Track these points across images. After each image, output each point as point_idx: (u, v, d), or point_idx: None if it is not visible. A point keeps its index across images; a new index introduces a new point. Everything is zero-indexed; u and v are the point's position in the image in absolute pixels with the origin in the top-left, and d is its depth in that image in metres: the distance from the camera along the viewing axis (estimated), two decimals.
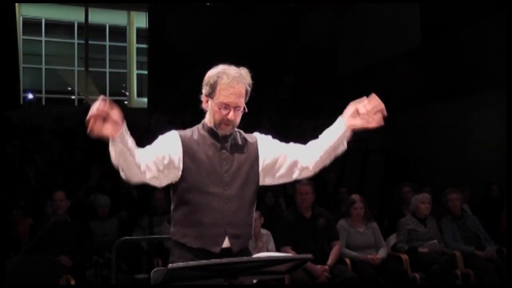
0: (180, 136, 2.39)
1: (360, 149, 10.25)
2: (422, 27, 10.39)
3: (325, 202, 7.16)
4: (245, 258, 2.14)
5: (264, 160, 2.46)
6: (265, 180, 2.50)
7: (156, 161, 2.27)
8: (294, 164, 2.45)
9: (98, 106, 2.03)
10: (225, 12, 12.24)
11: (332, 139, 2.42)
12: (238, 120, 2.40)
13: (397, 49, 10.86)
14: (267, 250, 5.05)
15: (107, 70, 15.99)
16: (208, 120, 2.44)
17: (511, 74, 6.28)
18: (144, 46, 14.57)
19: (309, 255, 2.12)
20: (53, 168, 8.54)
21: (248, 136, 2.52)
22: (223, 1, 12.46)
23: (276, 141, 2.52)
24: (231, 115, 2.34)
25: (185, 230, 2.37)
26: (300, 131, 11.84)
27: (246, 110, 2.40)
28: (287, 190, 8.66)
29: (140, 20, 14.79)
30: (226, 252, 2.33)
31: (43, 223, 5.48)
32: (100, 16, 14.98)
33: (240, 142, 2.47)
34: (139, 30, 15.45)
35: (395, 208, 6.78)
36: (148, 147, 2.32)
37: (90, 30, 14.14)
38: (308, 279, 4.97)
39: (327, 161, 2.47)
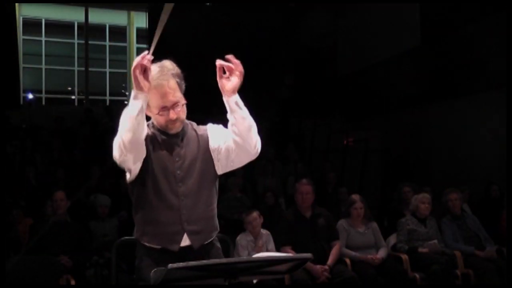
0: None
1: (360, 149, 10.26)
2: (422, 27, 10.39)
3: (325, 202, 7.16)
4: (245, 258, 2.14)
5: (217, 150, 2.38)
6: (226, 169, 2.42)
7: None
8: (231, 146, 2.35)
9: (140, 58, 2.13)
10: (225, 12, 12.24)
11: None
12: (183, 114, 2.35)
13: (397, 49, 10.87)
14: (267, 250, 5.06)
15: (107, 70, 16.00)
16: (154, 120, 2.39)
17: (511, 74, 6.29)
18: (144, 46, 14.58)
19: (309, 255, 2.11)
20: (53, 168, 8.53)
21: (199, 128, 2.46)
22: (223, 1, 12.45)
23: (226, 130, 2.38)
24: (172, 115, 2.30)
25: (144, 230, 2.34)
26: (300, 131, 11.85)
27: (186, 102, 2.34)
28: (287, 190, 8.67)
29: (140, 20, 14.79)
30: (187, 250, 2.30)
31: (43, 223, 5.48)
32: (100, 16, 14.97)
33: (191, 136, 2.41)
34: (139, 30, 15.45)
35: (395, 208, 6.78)
36: None
37: (90, 30, 14.13)
38: (308, 279, 4.97)
39: (242, 127, 2.28)
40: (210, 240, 2.40)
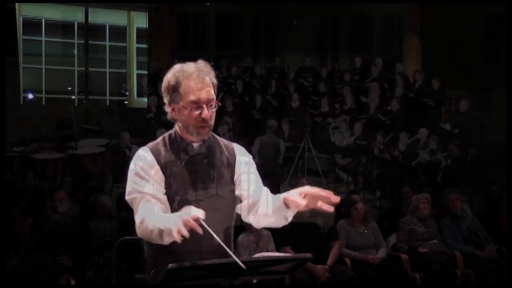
0: (154, 156, 2.20)
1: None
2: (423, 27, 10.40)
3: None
4: (245, 258, 2.14)
5: (245, 193, 2.29)
6: (249, 218, 2.35)
7: (163, 202, 2.18)
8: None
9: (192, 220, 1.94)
10: (225, 12, 12.23)
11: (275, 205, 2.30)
12: (213, 119, 2.18)
13: (397, 48, 10.87)
14: (268, 251, 5.06)
15: (107, 70, 15.97)
16: (179, 129, 2.23)
17: (511, 74, 6.28)
18: (144, 46, 14.56)
19: (309, 255, 2.11)
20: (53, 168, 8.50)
21: (224, 143, 2.31)
22: (223, 1, 12.44)
23: (257, 177, 2.32)
24: (205, 114, 2.12)
25: (160, 259, 2.29)
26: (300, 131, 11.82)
27: (220, 104, 2.22)
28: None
29: (140, 20, 14.78)
30: None
31: (43, 223, 5.47)
32: (100, 16, 14.96)
33: (214, 151, 2.26)
34: (139, 30, 15.43)
35: (395, 208, 6.77)
36: (146, 203, 2.17)
37: (90, 30, 14.12)
38: (308, 279, 4.97)
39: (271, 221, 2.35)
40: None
